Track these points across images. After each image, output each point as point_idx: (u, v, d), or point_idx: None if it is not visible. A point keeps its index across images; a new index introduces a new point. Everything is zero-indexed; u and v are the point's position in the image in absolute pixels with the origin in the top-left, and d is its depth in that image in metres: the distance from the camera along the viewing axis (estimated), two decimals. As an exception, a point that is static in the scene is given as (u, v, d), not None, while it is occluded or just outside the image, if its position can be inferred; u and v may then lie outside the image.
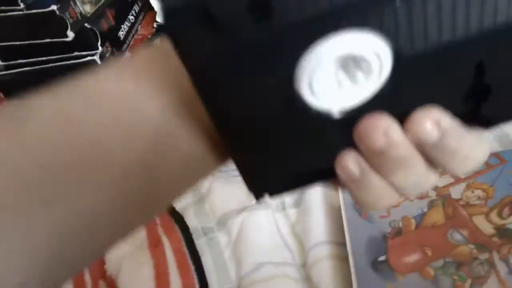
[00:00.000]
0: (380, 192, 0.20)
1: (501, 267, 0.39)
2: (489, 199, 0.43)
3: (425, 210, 0.44)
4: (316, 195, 0.51)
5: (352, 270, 0.41)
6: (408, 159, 0.19)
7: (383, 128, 0.18)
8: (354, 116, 0.19)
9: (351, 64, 0.17)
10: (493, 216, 0.42)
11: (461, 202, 0.44)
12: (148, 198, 0.21)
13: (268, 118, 0.18)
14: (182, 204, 0.56)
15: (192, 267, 0.48)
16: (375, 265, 0.41)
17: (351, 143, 0.19)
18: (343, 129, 0.19)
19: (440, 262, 0.40)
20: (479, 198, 0.44)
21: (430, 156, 0.19)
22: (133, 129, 0.19)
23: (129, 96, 0.19)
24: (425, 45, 0.17)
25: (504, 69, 0.18)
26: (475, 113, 0.19)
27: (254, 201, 0.23)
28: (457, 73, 0.18)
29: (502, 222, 0.41)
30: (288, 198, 0.54)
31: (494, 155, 0.47)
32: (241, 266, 0.48)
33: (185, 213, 0.54)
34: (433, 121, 0.18)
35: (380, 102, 0.18)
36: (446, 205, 0.44)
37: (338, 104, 0.18)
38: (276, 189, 0.22)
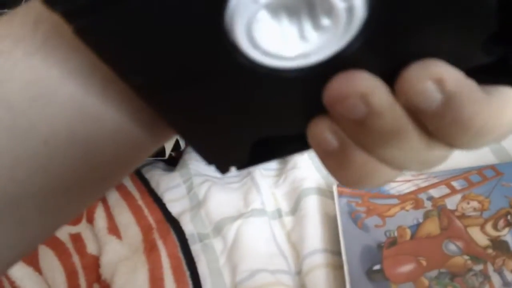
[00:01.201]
0: (365, 168, 0.16)
1: (496, 279, 0.39)
2: (484, 211, 0.43)
3: (421, 220, 0.44)
4: (312, 203, 0.51)
5: (347, 278, 0.41)
6: (399, 132, 0.14)
7: (360, 92, 0.14)
8: (323, 74, 0.14)
9: (304, 6, 0.13)
10: (488, 228, 0.42)
11: (456, 213, 0.44)
12: (80, 181, 0.18)
13: (207, 82, 0.14)
14: (178, 209, 0.56)
15: (187, 273, 0.48)
16: (370, 274, 0.41)
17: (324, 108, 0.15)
18: (311, 91, 0.15)
19: (434, 273, 0.40)
20: (474, 209, 0.44)
21: (431, 126, 0.14)
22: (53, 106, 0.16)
23: (44, 76, 0.15)
24: None
25: None
26: (500, 66, 0.14)
27: (219, 174, 0.18)
28: (470, 7, 0.12)
29: (497, 234, 0.41)
30: (284, 205, 0.54)
31: (490, 167, 0.47)
32: (236, 273, 0.47)
33: (181, 218, 0.54)
34: (434, 79, 0.13)
35: (358, 55, 0.13)
36: (442, 216, 0.44)
37: (295, 60, 0.13)
38: (243, 161, 0.18)
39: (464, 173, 0.47)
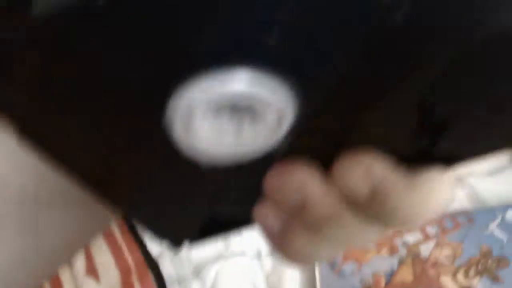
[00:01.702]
0: (308, 248, 0.16)
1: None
2: (457, 258, 0.44)
3: (395, 267, 0.45)
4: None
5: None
6: (335, 215, 0.15)
7: (295, 184, 0.15)
8: (261, 165, 0.15)
9: (236, 107, 0.13)
10: (460, 276, 0.43)
11: (430, 261, 0.45)
12: None
13: (150, 166, 0.14)
14: (158, 249, 0.56)
15: (165, 315, 0.48)
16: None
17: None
18: (252, 178, 0.15)
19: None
20: (447, 257, 0.45)
21: (364, 211, 0.15)
22: None
23: None
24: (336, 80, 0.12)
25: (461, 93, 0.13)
26: (426, 155, 0.15)
27: (173, 250, 0.20)
28: (399, 103, 0.13)
29: (468, 283, 0.42)
30: (264, 246, 0.55)
31: (464, 214, 0.48)
32: (214, 316, 0.48)
33: (161, 260, 0.54)
34: (361, 171, 0.14)
35: (292, 148, 0.14)
36: (415, 263, 0.45)
37: (231, 154, 0.14)
38: (195, 236, 0.18)
39: (437, 218, 0.48)
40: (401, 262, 0.45)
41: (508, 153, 0.57)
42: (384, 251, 0.47)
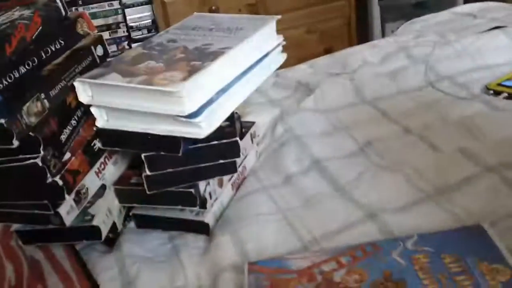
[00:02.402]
0: None
1: None
2: (362, 282, 0.52)
3: (311, 294, 0.52)
4: (228, 279, 0.58)
5: None
6: None
7: None
8: None
9: None
10: (364, 296, 0.50)
11: (340, 286, 0.52)
12: None
13: None
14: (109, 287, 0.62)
15: None
16: None
17: None
18: None
19: None
20: (355, 281, 0.52)
21: None
22: None
23: None
24: None
25: None
26: None
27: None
28: None
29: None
30: (205, 282, 0.61)
31: (370, 244, 0.56)
32: None
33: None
34: None
35: None
36: (328, 287, 0.52)
37: None
38: None
39: (350, 250, 0.56)
40: (316, 287, 0.52)
41: (418, 192, 0.66)
42: (304, 280, 0.54)
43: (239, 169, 0.74)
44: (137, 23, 2.02)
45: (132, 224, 0.73)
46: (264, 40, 0.70)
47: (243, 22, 0.71)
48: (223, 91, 0.62)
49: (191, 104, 0.56)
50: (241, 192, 0.75)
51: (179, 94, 0.55)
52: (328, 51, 2.13)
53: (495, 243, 0.52)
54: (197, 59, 0.61)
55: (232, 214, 0.71)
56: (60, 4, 0.66)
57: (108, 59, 0.68)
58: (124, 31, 2.02)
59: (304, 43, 2.18)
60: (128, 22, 2.01)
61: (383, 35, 2.19)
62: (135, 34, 2.03)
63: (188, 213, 0.70)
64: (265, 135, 0.87)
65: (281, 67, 1.15)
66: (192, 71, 0.57)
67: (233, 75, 0.64)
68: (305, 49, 2.10)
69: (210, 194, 0.70)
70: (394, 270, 0.52)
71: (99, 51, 0.67)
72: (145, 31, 2.03)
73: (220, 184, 0.73)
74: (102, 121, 0.63)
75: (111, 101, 0.61)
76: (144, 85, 0.56)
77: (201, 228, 0.69)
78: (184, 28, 0.72)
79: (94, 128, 0.64)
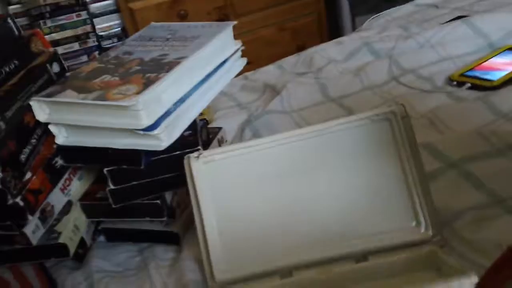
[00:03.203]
0: None
1: None
2: None
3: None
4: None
5: None
6: None
7: None
8: None
9: None
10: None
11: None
12: None
13: None
14: None
15: None
16: None
17: None
18: None
19: None
20: None
21: None
22: None
23: None
24: None
25: None
26: None
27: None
28: None
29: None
30: None
31: None
32: None
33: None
34: None
35: None
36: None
37: None
38: None
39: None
40: None
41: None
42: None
43: (208, 176, 0.74)
44: (106, 32, 2.01)
45: (102, 238, 0.73)
46: (221, 47, 0.70)
47: (200, 30, 0.71)
48: (181, 101, 0.62)
49: (148, 117, 0.56)
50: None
51: (134, 108, 0.55)
52: (301, 48, 2.14)
53: None
54: (153, 70, 0.61)
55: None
56: (12, 24, 0.65)
57: (67, 74, 0.68)
58: (94, 41, 2.01)
59: (277, 41, 2.19)
60: (97, 31, 1.99)
61: (354, 29, 2.20)
62: (105, 43, 2.02)
63: (158, 224, 0.70)
64: (234, 140, 0.88)
65: (253, 68, 1.16)
66: (147, 84, 0.57)
67: (190, 84, 0.64)
68: (278, 47, 2.11)
69: (178, 203, 0.70)
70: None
71: (55, 68, 0.66)
72: (115, 39, 2.02)
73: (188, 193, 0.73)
74: (61, 138, 0.63)
75: (68, 118, 0.60)
76: (98, 101, 0.55)
77: (171, 238, 0.69)
78: (141, 39, 0.72)
79: (54, 146, 0.64)
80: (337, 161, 0.56)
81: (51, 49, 0.68)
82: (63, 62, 0.68)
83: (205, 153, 0.58)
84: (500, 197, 0.59)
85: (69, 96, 0.58)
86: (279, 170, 0.57)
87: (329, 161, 0.56)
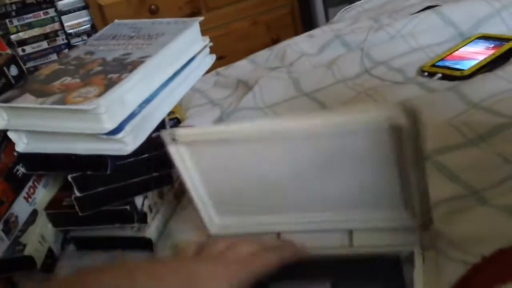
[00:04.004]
0: None
1: None
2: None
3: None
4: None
5: None
6: None
7: None
8: None
9: None
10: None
11: None
12: None
13: None
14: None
15: None
16: None
17: None
18: None
19: None
20: None
21: None
22: None
23: None
24: None
25: None
26: None
27: None
28: None
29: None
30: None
31: None
32: None
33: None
34: None
35: None
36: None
37: None
38: None
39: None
40: None
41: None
42: None
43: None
44: (75, 29, 1.96)
45: (72, 247, 0.70)
46: (188, 44, 0.68)
47: (165, 27, 0.68)
48: (147, 102, 0.60)
49: (111, 121, 0.54)
50: (186, 200, 0.73)
51: (95, 111, 0.52)
52: (275, 41, 2.13)
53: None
54: (115, 71, 0.58)
55: (176, 226, 0.69)
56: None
57: (26, 77, 0.65)
58: (63, 39, 1.96)
59: (251, 34, 2.17)
60: (66, 29, 1.94)
61: (327, 21, 2.20)
62: (74, 41, 1.97)
63: (129, 230, 0.68)
64: (206, 138, 0.86)
65: (227, 62, 1.14)
66: (109, 85, 0.55)
67: (156, 84, 0.61)
68: (253, 41, 2.09)
69: (150, 207, 0.67)
70: None
71: (13, 71, 0.63)
72: (84, 36, 1.97)
73: (161, 196, 0.71)
74: (22, 145, 0.60)
75: (28, 124, 0.58)
76: (56, 105, 0.53)
77: (144, 244, 0.67)
78: (103, 38, 0.69)
79: (15, 153, 0.61)
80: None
81: (8, 52, 0.65)
82: (21, 64, 0.65)
83: (181, 132, 0.51)
84: (473, 189, 0.59)
85: (28, 100, 0.56)
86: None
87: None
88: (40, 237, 0.64)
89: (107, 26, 0.73)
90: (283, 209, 0.56)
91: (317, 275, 0.49)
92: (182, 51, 0.67)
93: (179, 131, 0.51)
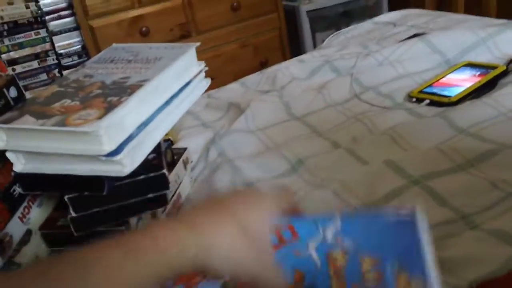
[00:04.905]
0: None
1: None
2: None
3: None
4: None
5: None
6: None
7: None
8: None
9: None
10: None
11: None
12: None
13: None
14: None
15: None
16: None
17: None
18: None
19: None
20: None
21: None
22: None
23: None
24: None
25: None
26: None
27: None
28: None
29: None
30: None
31: (289, 228, 0.49)
32: None
33: None
34: None
35: None
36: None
37: None
38: None
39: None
40: (223, 286, 0.49)
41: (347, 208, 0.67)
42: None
43: (174, 197, 0.73)
44: (66, 50, 1.97)
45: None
46: (184, 68, 0.70)
47: (162, 52, 0.70)
48: (144, 124, 0.61)
49: (110, 143, 0.55)
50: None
51: (95, 133, 0.53)
52: (264, 64, 2.16)
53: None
54: (114, 94, 0.59)
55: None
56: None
57: (26, 99, 0.66)
58: (53, 59, 1.96)
59: (240, 57, 2.20)
60: (57, 49, 1.95)
61: (315, 45, 2.24)
62: (65, 61, 1.97)
63: (122, 250, 0.68)
64: (199, 160, 0.87)
65: (216, 84, 1.16)
66: (109, 108, 0.56)
67: (153, 107, 0.63)
68: (241, 64, 2.12)
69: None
70: (307, 271, 0.48)
71: (12, 92, 0.64)
72: (75, 57, 1.98)
73: (154, 216, 0.71)
74: (19, 165, 0.61)
75: (27, 145, 0.58)
76: (57, 127, 0.54)
77: (137, 264, 0.67)
78: (102, 61, 0.70)
79: (12, 173, 0.61)
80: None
81: (9, 74, 0.66)
82: (20, 86, 0.66)
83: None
84: (463, 213, 0.61)
85: (27, 122, 0.56)
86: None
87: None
88: (35, 257, 0.64)
89: (105, 50, 0.75)
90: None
91: None
92: (179, 75, 0.69)
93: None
